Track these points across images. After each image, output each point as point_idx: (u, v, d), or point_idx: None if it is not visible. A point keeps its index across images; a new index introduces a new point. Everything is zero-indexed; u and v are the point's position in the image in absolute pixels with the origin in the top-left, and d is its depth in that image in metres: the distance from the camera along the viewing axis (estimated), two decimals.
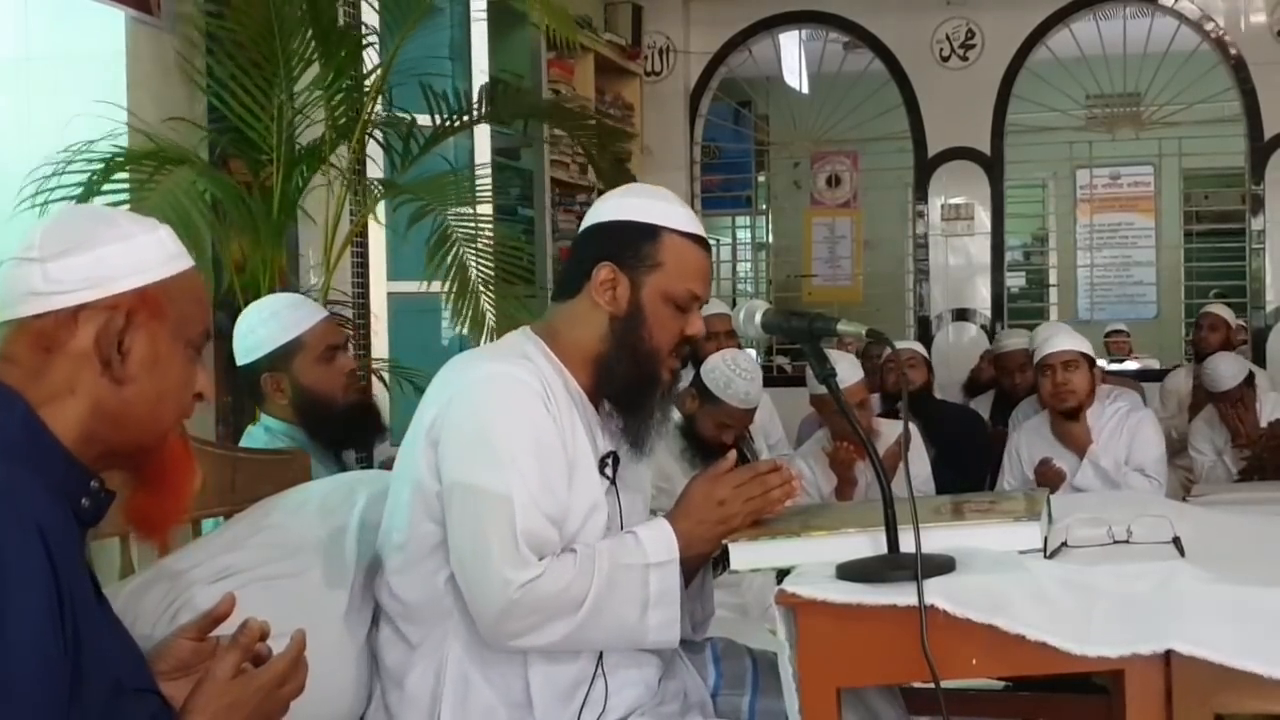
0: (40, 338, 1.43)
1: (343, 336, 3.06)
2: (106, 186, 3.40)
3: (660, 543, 1.92)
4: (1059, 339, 4.29)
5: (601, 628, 1.88)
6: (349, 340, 3.09)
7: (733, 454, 2.09)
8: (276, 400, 2.89)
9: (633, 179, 7.46)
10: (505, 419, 1.90)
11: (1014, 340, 5.95)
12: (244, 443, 2.89)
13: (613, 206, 2.06)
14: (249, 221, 3.64)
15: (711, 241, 9.44)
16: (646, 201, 2.06)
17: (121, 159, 3.47)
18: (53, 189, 3.33)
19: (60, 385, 1.42)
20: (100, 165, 3.42)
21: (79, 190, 3.36)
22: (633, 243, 2.00)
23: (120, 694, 1.37)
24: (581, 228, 2.10)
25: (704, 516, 1.96)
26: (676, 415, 3.94)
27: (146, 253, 1.48)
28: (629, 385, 2.02)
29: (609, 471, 2.02)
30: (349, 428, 3.00)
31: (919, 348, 5.91)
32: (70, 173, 3.37)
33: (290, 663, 1.51)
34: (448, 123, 4.25)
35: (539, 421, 1.92)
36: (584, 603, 1.85)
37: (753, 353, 3.87)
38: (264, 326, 2.90)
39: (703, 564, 2.06)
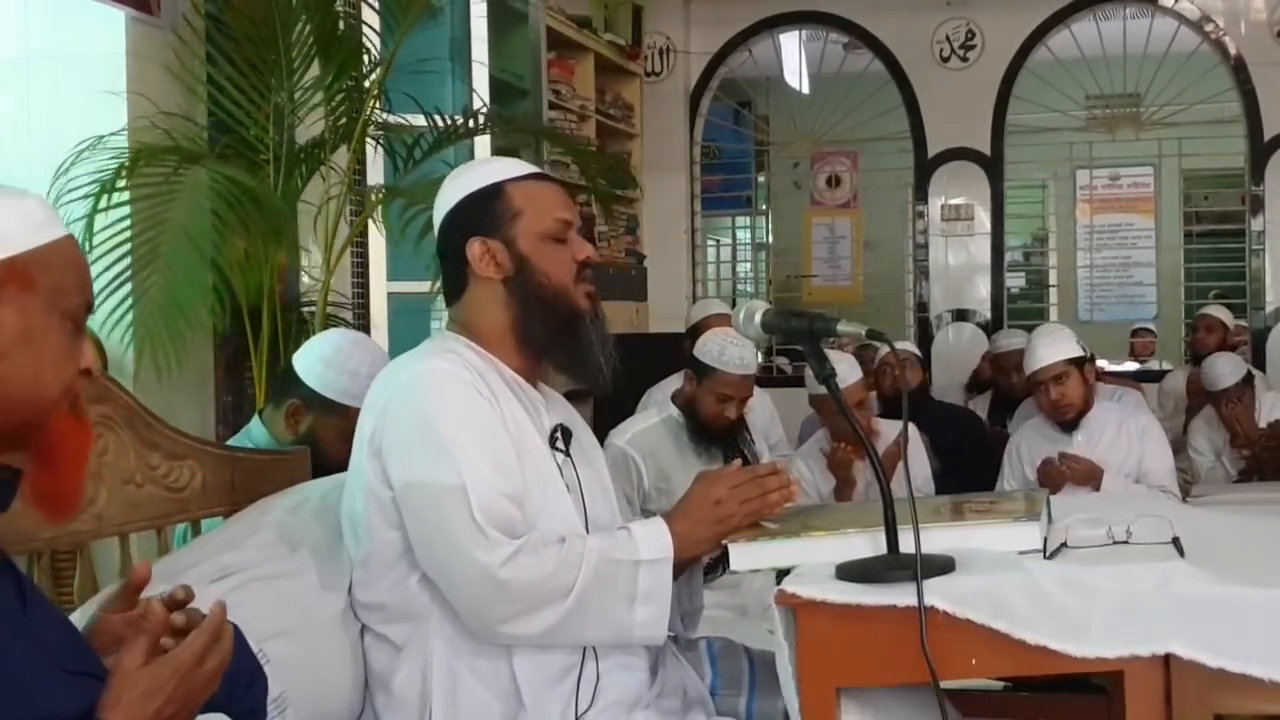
0: None
1: None
2: (124, 182, 3.40)
3: (653, 540, 1.92)
4: (1043, 352, 4.21)
5: (588, 620, 1.87)
6: None
7: (737, 461, 2.08)
8: (286, 425, 2.85)
9: (634, 182, 7.49)
10: (442, 410, 1.91)
11: (1011, 340, 5.94)
12: (237, 440, 2.87)
13: (449, 195, 2.09)
14: (268, 220, 3.63)
15: (712, 242, 9.42)
16: (473, 172, 2.10)
17: (142, 153, 3.47)
18: (64, 191, 3.33)
19: None
20: (121, 161, 3.42)
21: (96, 186, 3.37)
22: (484, 210, 2.04)
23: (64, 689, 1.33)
24: (436, 230, 2.12)
25: (700, 516, 1.96)
26: (674, 410, 3.94)
27: (10, 224, 1.39)
28: (555, 331, 2.04)
29: (561, 444, 2.03)
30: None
31: (913, 347, 5.91)
32: (84, 165, 3.36)
33: (209, 637, 1.42)
34: (450, 132, 4.25)
35: (476, 407, 1.93)
36: (570, 591, 1.84)
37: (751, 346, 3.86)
38: (335, 373, 2.81)
39: (695, 562, 2.06)
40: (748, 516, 1.97)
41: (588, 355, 2.05)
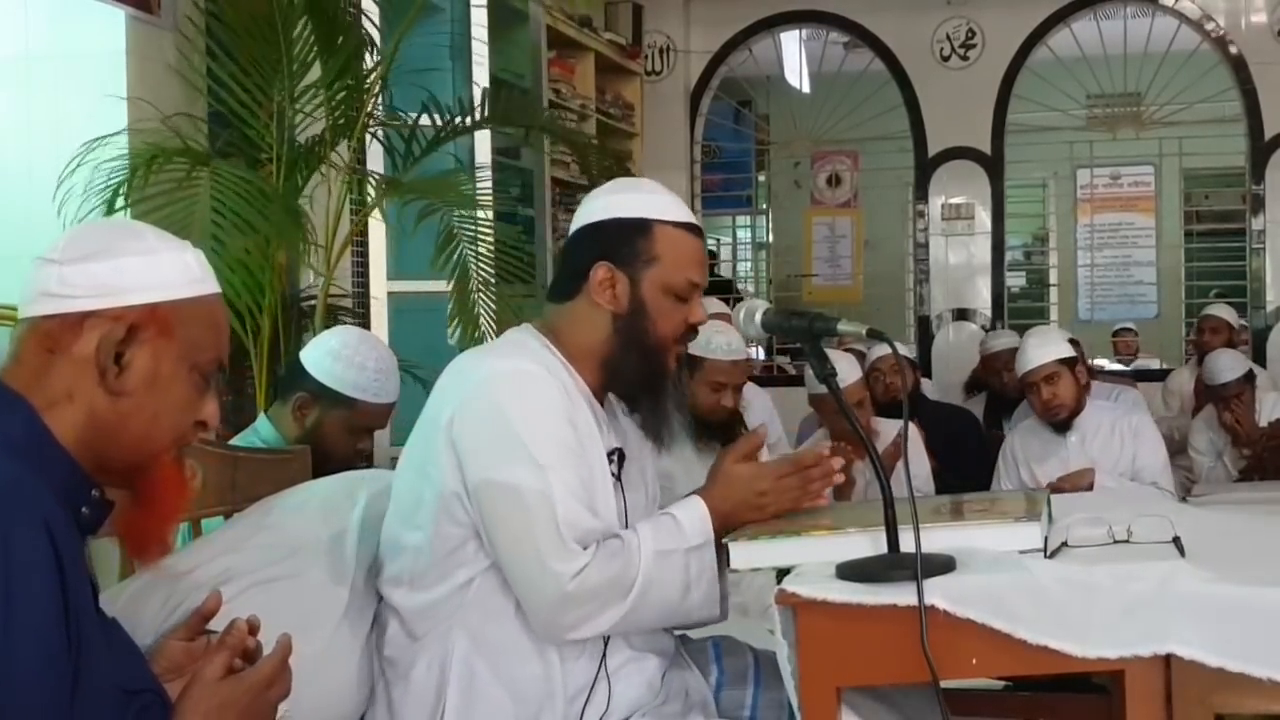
0: (46, 339, 1.43)
1: (382, 425, 3.01)
2: (136, 189, 3.40)
3: (696, 525, 1.95)
4: (1033, 353, 4.22)
5: (648, 611, 1.90)
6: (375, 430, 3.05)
7: (764, 429, 2.09)
8: (294, 418, 2.86)
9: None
10: (528, 414, 1.91)
11: (1001, 340, 5.94)
12: (244, 437, 2.88)
13: (601, 205, 2.07)
14: (275, 218, 3.63)
15: (711, 241, 9.41)
16: (635, 196, 2.07)
17: (157, 156, 3.46)
18: (72, 198, 3.32)
19: (60, 390, 1.42)
20: (135, 163, 3.41)
21: (108, 194, 3.36)
22: (626, 239, 2.01)
23: (121, 703, 1.37)
24: (572, 228, 2.10)
25: (744, 502, 1.98)
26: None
27: (167, 271, 1.47)
28: (639, 380, 2.04)
29: (614, 469, 2.02)
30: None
31: (903, 349, 5.91)
32: (89, 173, 3.36)
33: (277, 665, 1.50)
34: (448, 127, 4.25)
35: (560, 414, 1.93)
36: (632, 590, 1.87)
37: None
38: (343, 366, 2.84)
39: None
40: (789, 507, 1.99)
41: (664, 411, 2.07)
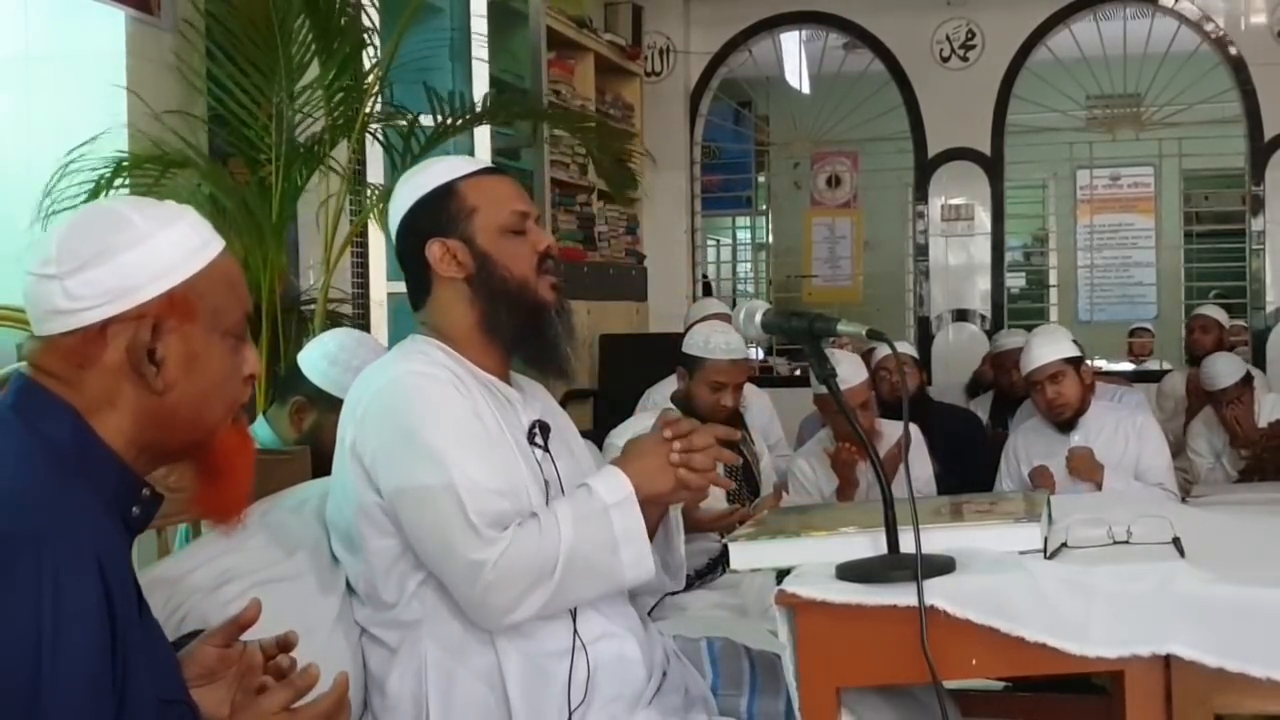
0: (71, 355, 1.39)
1: None
2: (110, 193, 3.38)
3: (613, 485, 1.93)
4: (1039, 351, 4.23)
5: (580, 581, 1.89)
6: None
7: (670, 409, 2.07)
8: (291, 422, 2.85)
9: (634, 179, 7.48)
10: (422, 413, 1.92)
11: (1012, 339, 5.94)
12: None
13: (402, 199, 2.09)
14: (251, 222, 3.63)
15: (712, 242, 9.39)
16: (426, 173, 2.11)
17: (126, 164, 3.46)
18: (57, 199, 3.31)
19: (99, 397, 1.39)
20: (105, 171, 3.40)
21: (83, 199, 3.35)
22: (440, 210, 2.05)
23: (159, 714, 1.36)
24: (393, 236, 2.13)
25: (649, 449, 1.97)
26: (674, 411, 3.93)
27: (168, 253, 1.42)
28: (520, 323, 2.04)
29: (540, 440, 2.03)
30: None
31: (910, 349, 5.93)
32: (76, 174, 3.35)
33: (334, 704, 1.50)
34: (448, 123, 4.24)
35: (457, 406, 1.94)
36: (557, 564, 1.86)
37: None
38: (339, 370, 2.80)
39: (662, 509, 2.05)
40: (672, 471, 1.95)
41: (554, 349, 2.06)
